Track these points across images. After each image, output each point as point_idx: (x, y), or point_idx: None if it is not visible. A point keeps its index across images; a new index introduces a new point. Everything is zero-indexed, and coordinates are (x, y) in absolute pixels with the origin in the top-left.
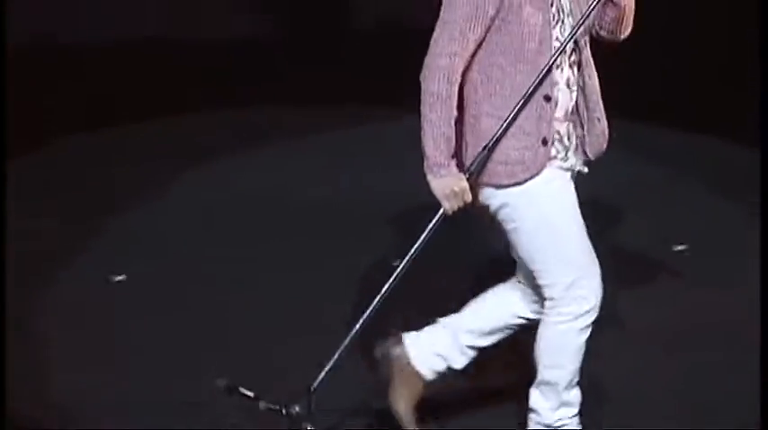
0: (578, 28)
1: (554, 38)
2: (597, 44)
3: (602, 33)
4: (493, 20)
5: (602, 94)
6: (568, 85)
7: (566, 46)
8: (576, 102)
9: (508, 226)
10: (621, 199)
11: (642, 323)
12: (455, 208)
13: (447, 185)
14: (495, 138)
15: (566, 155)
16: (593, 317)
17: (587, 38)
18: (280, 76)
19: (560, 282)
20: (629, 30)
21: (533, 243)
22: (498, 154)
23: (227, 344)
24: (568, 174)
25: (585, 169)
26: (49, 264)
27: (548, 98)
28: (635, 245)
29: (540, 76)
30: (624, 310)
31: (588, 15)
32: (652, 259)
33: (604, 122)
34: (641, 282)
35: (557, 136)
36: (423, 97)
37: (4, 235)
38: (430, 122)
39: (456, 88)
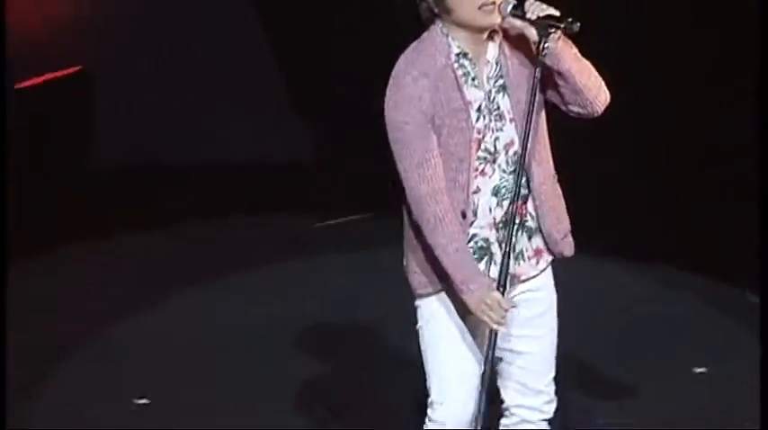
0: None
1: (482, 148)
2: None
3: (575, 110)
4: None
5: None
6: (496, 194)
7: (522, 155)
8: (517, 205)
9: (417, 321)
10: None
11: None
12: (498, 320)
13: (480, 300)
14: (508, 250)
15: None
16: None
17: (535, 142)
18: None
19: (431, 393)
20: (604, 99)
21: (423, 349)
22: (414, 264)
23: None
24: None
25: (538, 271)
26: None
27: (464, 215)
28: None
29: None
30: None
31: (529, 128)
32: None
33: (566, 223)
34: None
35: (482, 243)
36: (424, 230)
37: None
38: (441, 246)
39: (446, 205)
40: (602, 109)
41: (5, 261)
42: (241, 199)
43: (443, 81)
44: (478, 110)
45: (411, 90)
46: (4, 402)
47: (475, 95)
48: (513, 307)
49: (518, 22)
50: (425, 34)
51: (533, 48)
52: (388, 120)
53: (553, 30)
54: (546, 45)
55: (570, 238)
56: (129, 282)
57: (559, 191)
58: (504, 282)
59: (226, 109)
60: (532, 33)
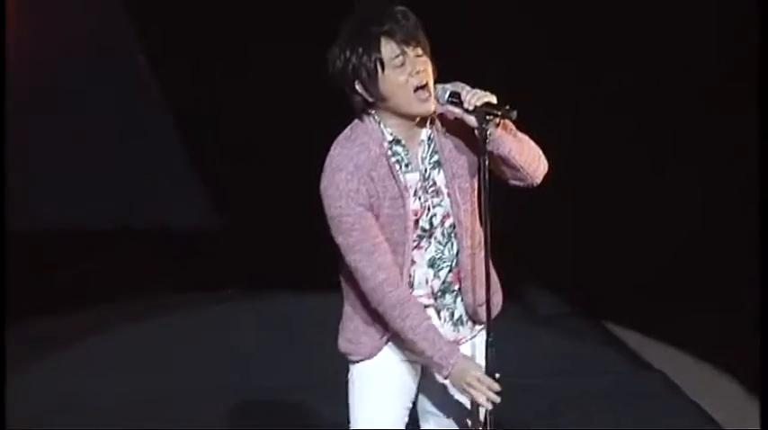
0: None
1: (419, 227)
2: None
3: (514, 183)
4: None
5: None
6: (432, 265)
7: (486, 242)
8: (448, 273)
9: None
10: None
11: None
12: (487, 396)
13: (461, 376)
14: (490, 339)
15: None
16: None
17: (467, 213)
18: None
19: None
20: (543, 170)
21: (350, 399)
22: (346, 330)
23: None
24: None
25: (475, 332)
26: None
27: None
28: None
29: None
30: None
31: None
32: None
33: (483, 292)
34: None
35: None
36: (389, 317)
37: None
38: (411, 329)
39: (404, 286)
40: (541, 178)
41: None
42: (148, 264)
43: (378, 170)
44: (414, 193)
45: (347, 185)
46: (3, 402)
47: (410, 180)
48: (497, 381)
49: (456, 110)
50: (357, 121)
51: (475, 133)
52: (328, 214)
53: (491, 117)
54: (488, 133)
55: (494, 303)
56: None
57: (483, 257)
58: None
59: (134, 174)
60: (471, 121)
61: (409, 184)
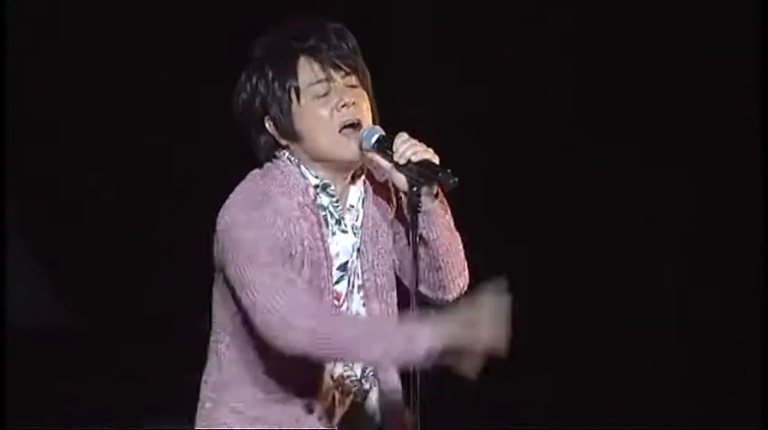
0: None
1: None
2: None
3: (422, 290)
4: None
5: None
6: (341, 387)
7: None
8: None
9: None
10: None
11: None
12: (491, 335)
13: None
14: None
15: None
16: None
17: (383, 313)
18: None
19: None
20: (462, 286)
21: None
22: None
23: None
24: None
25: None
26: None
27: (310, 410)
28: None
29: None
30: None
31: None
32: None
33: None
34: None
35: None
36: (318, 346)
37: None
38: (365, 334)
39: (329, 305)
40: (456, 297)
41: None
42: None
43: (302, 222)
44: (344, 268)
45: (265, 221)
46: (3, 402)
47: (341, 244)
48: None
49: (383, 162)
50: (269, 165)
51: (403, 198)
52: (230, 238)
53: (424, 181)
54: (419, 201)
55: None
56: None
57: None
58: None
59: None
60: (400, 180)
61: (336, 253)
